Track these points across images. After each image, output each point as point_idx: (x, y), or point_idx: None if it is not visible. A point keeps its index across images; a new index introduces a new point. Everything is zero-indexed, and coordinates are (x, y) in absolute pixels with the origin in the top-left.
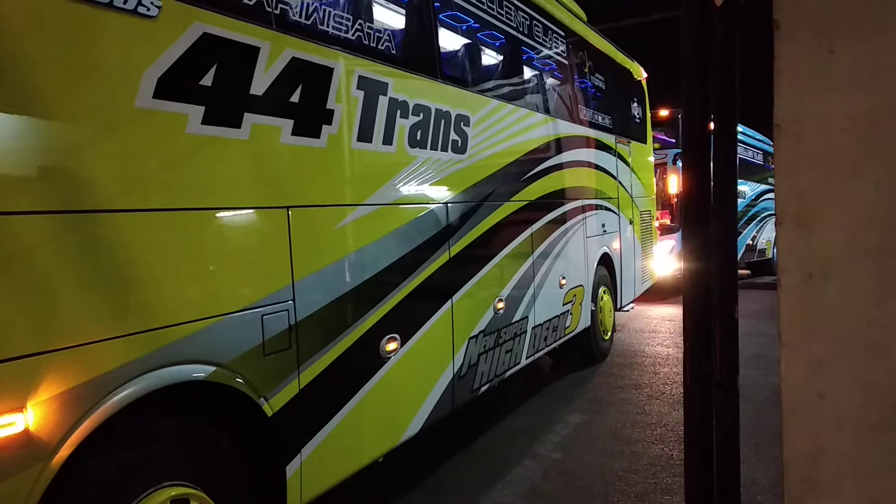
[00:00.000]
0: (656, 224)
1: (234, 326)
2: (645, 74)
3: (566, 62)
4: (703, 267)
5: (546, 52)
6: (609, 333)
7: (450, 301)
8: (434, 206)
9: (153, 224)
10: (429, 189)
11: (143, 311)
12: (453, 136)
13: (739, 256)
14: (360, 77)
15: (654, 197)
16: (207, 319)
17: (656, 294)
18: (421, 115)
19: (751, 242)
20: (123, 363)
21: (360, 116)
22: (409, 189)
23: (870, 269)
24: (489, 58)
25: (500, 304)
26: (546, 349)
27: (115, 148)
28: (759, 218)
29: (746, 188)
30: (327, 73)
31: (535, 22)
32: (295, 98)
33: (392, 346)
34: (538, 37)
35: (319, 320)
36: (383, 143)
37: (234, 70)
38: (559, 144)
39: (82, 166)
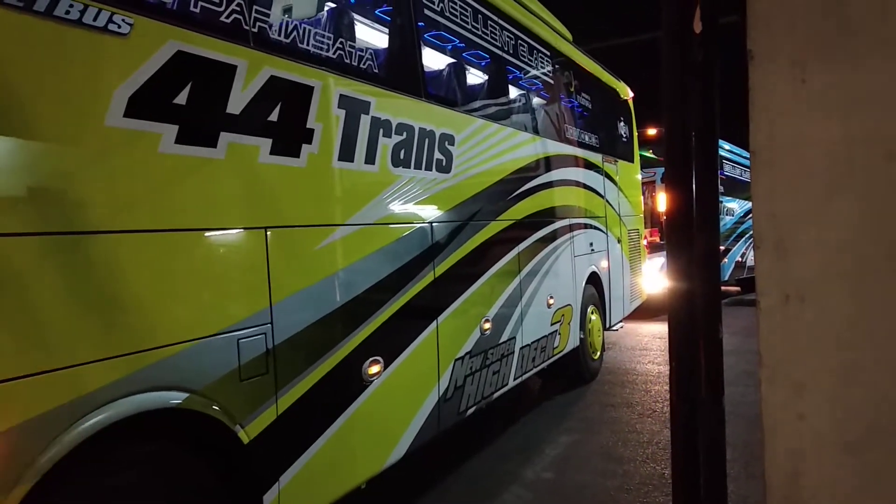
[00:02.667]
0: (644, 242)
1: (209, 351)
2: (631, 94)
3: (552, 81)
4: (687, 286)
5: (531, 71)
6: (598, 353)
7: (435, 322)
8: (418, 225)
9: (123, 246)
10: (413, 208)
11: (110, 336)
12: (438, 154)
13: (729, 273)
14: (341, 96)
15: (641, 215)
16: (180, 344)
17: (646, 312)
18: (404, 134)
19: (740, 259)
20: (89, 391)
21: (342, 136)
22: (392, 209)
23: (845, 292)
24: (474, 77)
25: (487, 325)
26: (534, 370)
27: (83, 167)
28: (748, 235)
29: (735, 205)
30: (307, 91)
31: (520, 41)
32: (274, 117)
33: (375, 369)
34: (523, 56)
35: (299, 344)
36: (365, 163)
37: (209, 88)
38: (546, 163)
39: (47, 186)
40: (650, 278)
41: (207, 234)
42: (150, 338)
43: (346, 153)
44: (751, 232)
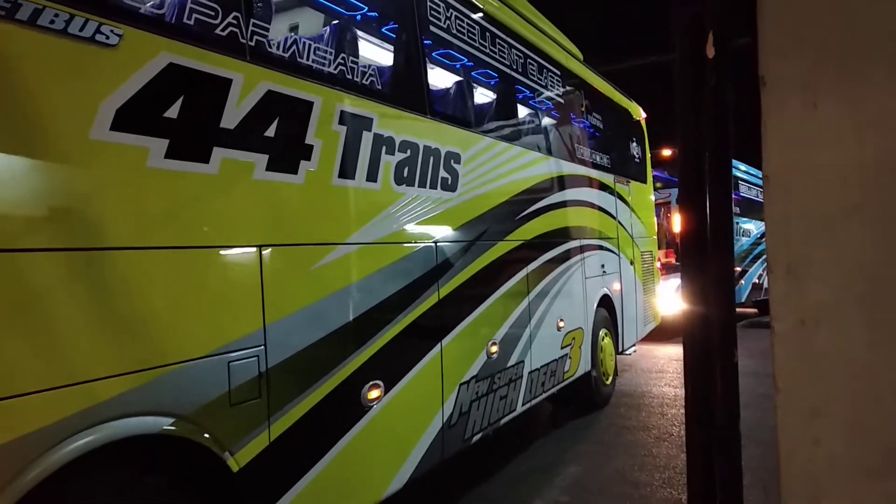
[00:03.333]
0: (658, 265)
1: (197, 374)
2: (644, 114)
3: (562, 100)
4: (702, 309)
5: (540, 90)
6: (610, 378)
7: (439, 345)
8: (422, 245)
9: (108, 263)
10: (416, 227)
11: (92, 357)
12: (443, 173)
13: (746, 295)
14: (342, 112)
15: (655, 237)
16: (166, 367)
17: (662, 334)
18: (408, 151)
19: (757, 281)
20: (66, 415)
21: (342, 152)
22: (394, 227)
23: (860, 317)
24: (482, 95)
25: (494, 348)
26: (544, 395)
27: (65, 181)
28: (765, 257)
29: (751, 226)
30: (306, 107)
31: (529, 60)
32: (270, 133)
33: (375, 393)
34: (532, 75)
35: (294, 367)
36: (367, 180)
37: (203, 102)
38: (556, 183)
39: (26, 200)
40: (666, 299)
41: (198, 251)
42: (134, 360)
43: (347, 170)
44: None
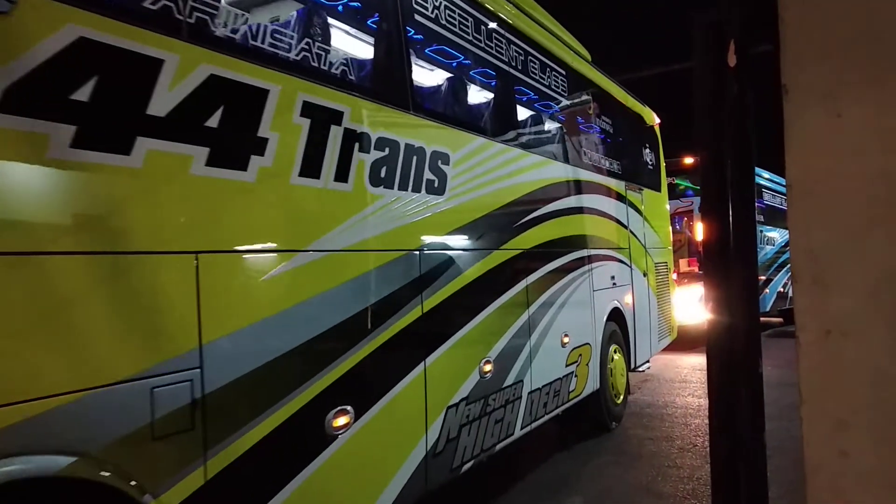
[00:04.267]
0: (674, 276)
1: (110, 403)
2: (657, 120)
3: (567, 102)
4: (726, 318)
5: (543, 90)
6: (622, 397)
7: (422, 364)
8: (403, 252)
9: None
10: (396, 234)
11: None
12: (428, 175)
13: (771, 304)
14: (305, 103)
15: (670, 248)
16: (68, 395)
17: (685, 343)
18: (387, 150)
19: (782, 290)
20: None
21: (305, 148)
22: (369, 233)
23: (887, 327)
24: (476, 93)
25: (488, 367)
26: (546, 417)
27: None
28: (789, 265)
29: (776, 234)
30: (260, 96)
31: (530, 58)
32: (213, 122)
33: (342, 420)
34: (534, 73)
35: (239, 392)
36: (336, 180)
37: (123, 84)
38: (560, 189)
39: None
40: (688, 308)
41: (114, 258)
42: (24, 387)
43: (311, 168)
44: None
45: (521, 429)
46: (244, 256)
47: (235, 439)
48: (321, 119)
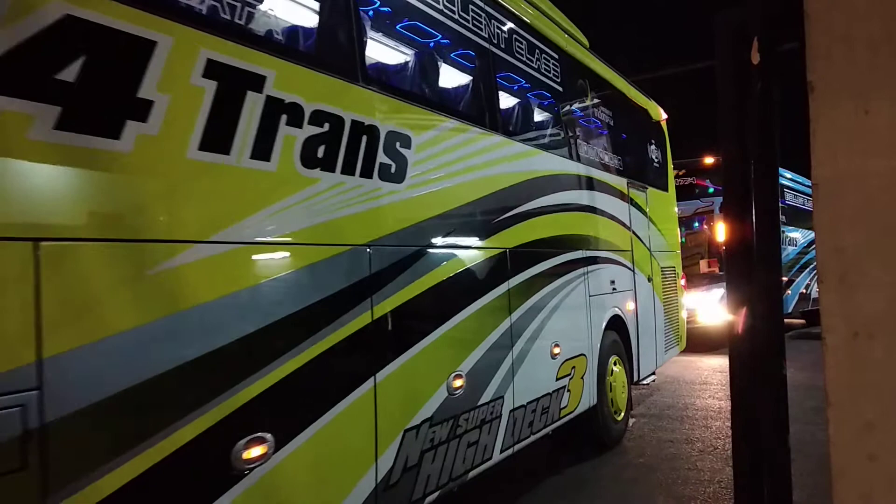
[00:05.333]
0: (682, 282)
1: None
2: (665, 116)
3: (561, 89)
4: (748, 320)
5: (532, 73)
6: (622, 413)
7: (372, 380)
8: (345, 248)
9: None
10: (337, 225)
11: None
12: (383, 158)
13: (793, 305)
14: (210, 62)
15: (678, 252)
16: None
17: (705, 345)
18: (326, 125)
19: (804, 291)
20: None
21: (209, 116)
22: (301, 223)
23: None
24: (450, 70)
25: (459, 382)
26: (533, 437)
27: None
28: (812, 266)
29: (798, 235)
30: (142, 47)
31: (516, 37)
32: (67, 76)
33: (256, 451)
34: (520, 53)
35: (101, 419)
36: (253, 157)
37: None
38: (551, 183)
39: None
40: (710, 309)
41: None
42: None
43: (217, 141)
44: (815, 263)
45: (502, 452)
46: (110, 246)
47: (91, 482)
48: (233, 83)
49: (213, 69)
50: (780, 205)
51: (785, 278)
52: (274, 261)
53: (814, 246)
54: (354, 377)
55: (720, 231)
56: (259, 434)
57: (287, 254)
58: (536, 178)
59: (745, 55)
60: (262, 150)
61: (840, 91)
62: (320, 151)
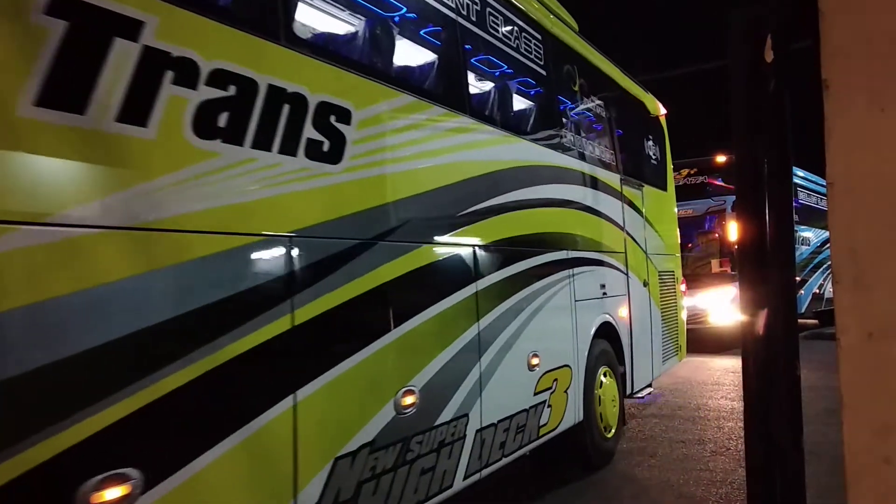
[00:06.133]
0: (683, 287)
1: None
2: (664, 110)
3: (544, 72)
4: (762, 320)
5: (510, 52)
6: (613, 430)
7: (290, 399)
8: (256, 238)
9: None
10: (244, 210)
11: None
12: (312, 133)
13: (806, 305)
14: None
15: (678, 255)
16: None
17: (716, 346)
18: (231, 88)
19: (817, 291)
20: None
21: (52, 65)
22: (187, 205)
23: None
24: (406, 40)
25: (410, 399)
26: (504, 460)
27: None
28: (825, 266)
29: (810, 235)
30: None
31: (490, 10)
32: None
33: (114, 493)
34: (495, 29)
35: None
36: (121, 120)
37: None
38: (531, 174)
39: None
40: (721, 310)
41: None
42: None
43: (64, 96)
44: (828, 263)
45: (465, 478)
46: None
47: None
48: (93, 25)
49: (62, 7)
50: (794, 204)
51: (798, 278)
52: (147, 250)
53: (827, 245)
54: (264, 396)
55: (732, 230)
56: (118, 471)
57: (170, 242)
58: (513, 169)
59: (758, 53)
60: (136, 111)
61: (855, 89)
62: (222, 120)
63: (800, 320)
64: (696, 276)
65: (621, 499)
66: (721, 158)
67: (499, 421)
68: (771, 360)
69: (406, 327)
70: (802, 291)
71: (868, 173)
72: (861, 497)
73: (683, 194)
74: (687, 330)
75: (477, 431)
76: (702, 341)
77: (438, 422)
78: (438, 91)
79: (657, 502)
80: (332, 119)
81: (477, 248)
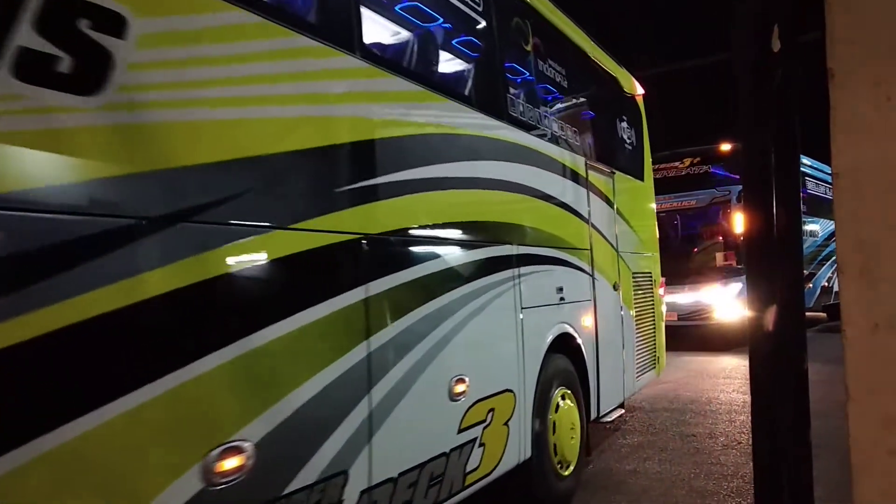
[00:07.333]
0: (661, 291)
1: None
2: (641, 90)
3: (482, 19)
4: (769, 314)
5: None
6: (571, 466)
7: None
8: None
9: None
10: None
11: None
12: (39, 44)
13: (815, 299)
14: None
15: (656, 254)
16: None
17: (722, 344)
18: None
19: (826, 284)
20: None
21: None
22: None
23: None
24: None
25: (233, 461)
26: None
27: None
28: (834, 258)
29: (817, 227)
30: None
31: None
32: None
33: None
34: None
35: None
36: None
37: None
38: (458, 145)
39: None
40: (727, 305)
41: None
42: None
43: None
44: None
45: None
46: None
47: None
48: None
49: None
50: (801, 194)
51: (806, 271)
52: None
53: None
54: None
55: (738, 221)
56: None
57: None
58: (435, 136)
59: (766, 42)
60: None
61: (861, 79)
62: None
63: (809, 314)
64: (699, 269)
65: (631, 492)
66: (725, 147)
67: (400, 474)
68: (778, 355)
69: (239, 348)
70: (811, 285)
71: (873, 165)
72: (867, 489)
73: (686, 184)
74: (691, 328)
75: (363, 493)
76: (706, 339)
77: (291, 488)
78: (308, 18)
79: (667, 497)
80: (85, 26)
81: (368, 238)
